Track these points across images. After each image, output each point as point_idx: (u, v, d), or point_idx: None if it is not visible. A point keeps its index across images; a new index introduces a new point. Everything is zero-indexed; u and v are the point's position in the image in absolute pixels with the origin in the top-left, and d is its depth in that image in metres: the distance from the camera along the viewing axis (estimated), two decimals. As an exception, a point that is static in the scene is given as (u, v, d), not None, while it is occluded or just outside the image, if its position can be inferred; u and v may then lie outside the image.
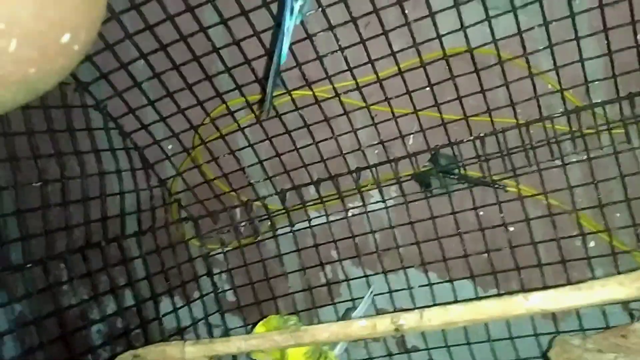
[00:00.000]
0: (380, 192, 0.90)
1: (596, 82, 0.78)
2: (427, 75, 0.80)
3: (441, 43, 0.77)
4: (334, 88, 0.83)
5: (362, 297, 0.90)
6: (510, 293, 0.80)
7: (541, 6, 0.73)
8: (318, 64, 0.81)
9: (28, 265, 0.77)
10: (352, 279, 0.95)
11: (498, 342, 0.87)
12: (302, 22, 0.72)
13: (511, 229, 0.86)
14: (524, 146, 0.82)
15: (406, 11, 0.77)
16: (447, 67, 0.79)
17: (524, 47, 0.76)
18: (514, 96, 0.80)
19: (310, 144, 0.89)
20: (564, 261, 0.83)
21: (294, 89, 0.85)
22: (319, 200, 0.93)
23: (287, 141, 0.90)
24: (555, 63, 0.77)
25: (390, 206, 0.91)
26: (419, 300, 0.91)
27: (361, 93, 0.83)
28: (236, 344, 0.60)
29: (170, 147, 0.96)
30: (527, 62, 0.77)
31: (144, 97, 0.87)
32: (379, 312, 0.96)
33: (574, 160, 0.82)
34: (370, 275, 0.94)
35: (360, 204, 0.93)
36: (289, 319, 0.78)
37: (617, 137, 0.79)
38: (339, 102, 0.85)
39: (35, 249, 0.79)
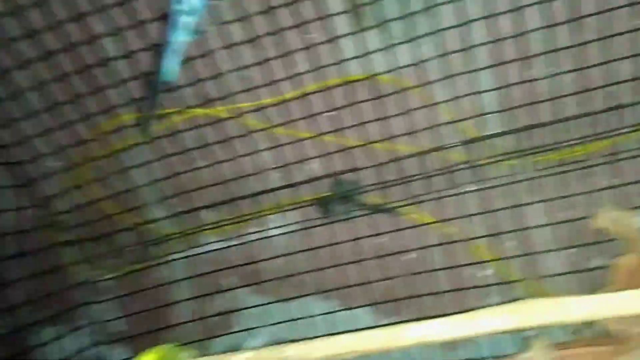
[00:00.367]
0: (280, 217, 0.88)
1: (492, 114, 0.80)
2: (331, 100, 0.79)
3: (344, 68, 0.76)
4: (232, 108, 0.80)
5: (260, 327, 0.87)
6: (409, 321, 0.79)
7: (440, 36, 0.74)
8: (218, 82, 0.78)
9: None
10: (250, 307, 0.91)
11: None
12: (201, 38, 0.69)
13: (412, 255, 0.86)
14: (423, 174, 0.82)
15: (310, 35, 0.76)
16: (349, 93, 0.78)
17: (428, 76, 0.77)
18: (415, 125, 0.80)
19: (207, 165, 0.85)
20: (458, 289, 0.83)
21: (190, 107, 0.81)
22: (216, 225, 0.89)
23: (184, 161, 0.85)
24: (460, 93, 0.78)
25: (291, 232, 0.88)
26: (320, 329, 0.89)
27: (263, 114, 0.81)
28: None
29: (54, 164, 0.88)
30: (428, 90, 0.77)
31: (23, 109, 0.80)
32: (279, 341, 0.92)
33: (471, 189, 0.82)
34: (270, 303, 0.91)
35: (260, 228, 0.89)
36: (181, 351, 0.73)
37: (511, 167, 0.81)
38: (239, 123, 0.82)
39: None
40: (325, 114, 0.80)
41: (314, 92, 0.79)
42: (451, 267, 0.84)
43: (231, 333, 0.92)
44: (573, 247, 0.80)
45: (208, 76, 0.78)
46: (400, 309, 0.87)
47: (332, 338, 0.51)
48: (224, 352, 0.56)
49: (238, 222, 0.88)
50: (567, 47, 0.74)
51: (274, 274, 0.89)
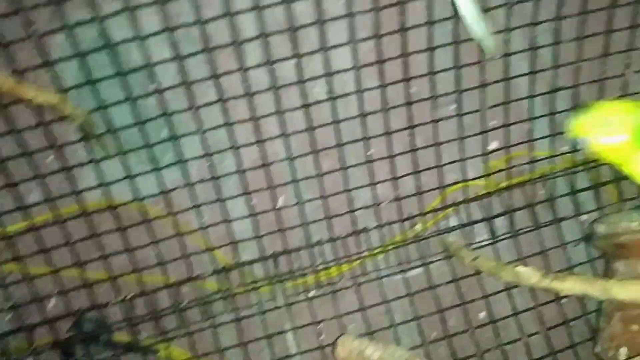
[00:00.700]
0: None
1: (246, 241, 0.79)
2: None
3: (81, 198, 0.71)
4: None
5: None
6: None
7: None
8: None
9: None
10: None
11: None
12: None
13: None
14: (175, 307, 0.78)
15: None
16: (90, 222, 0.72)
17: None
18: (165, 254, 0.76)
19: None
20: None
21: None
22: None
23: None
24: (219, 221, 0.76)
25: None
26: None
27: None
28: None
29: None
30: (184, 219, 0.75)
31: None
32: None
33: (225, 320, 0.79)
34: None
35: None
36: None
37: (265, 295, 0.80)
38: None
39: None
40: (63, 247, 0.72)
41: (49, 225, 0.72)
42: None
43: None
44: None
45: None
46: None
47: None
48: None
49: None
50: (310, 177, 0.77)
51: None
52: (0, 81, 0.60)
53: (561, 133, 0.82)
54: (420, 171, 0.80)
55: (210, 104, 0.70)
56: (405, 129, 0.77)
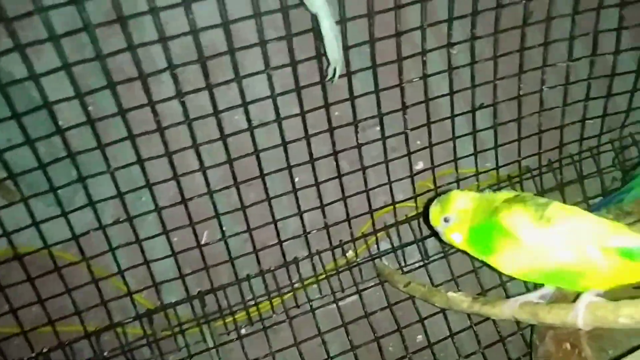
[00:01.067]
0: None
1: (169, 282, 0.75)
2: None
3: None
4: None
5: None
6: None
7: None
8: None
9: None
10: None
11: None
12: None
13: None
14: (97, 357, 0.72)
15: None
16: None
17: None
18: (82, 302, 0.71)
19: None
20: None
21: None
22: None
23: None
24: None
25: None
26: None
27: None
28: None
29: None
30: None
31: None
32: None
33: (152, 367, 0.75)
34: None
35: None
36: None
37: (193, 337, 0.76)
38: None
39: None
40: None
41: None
42: None
43: None
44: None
45: None
46: None
47: None
48: None
49: None
50: (236, 210, 0.74)
51: None
52: None
53: (484, 150, 0.82)
54: (348, 197, 0.78)
55: (120, 140, 0.65)
56: (329, 155, 0.75)
